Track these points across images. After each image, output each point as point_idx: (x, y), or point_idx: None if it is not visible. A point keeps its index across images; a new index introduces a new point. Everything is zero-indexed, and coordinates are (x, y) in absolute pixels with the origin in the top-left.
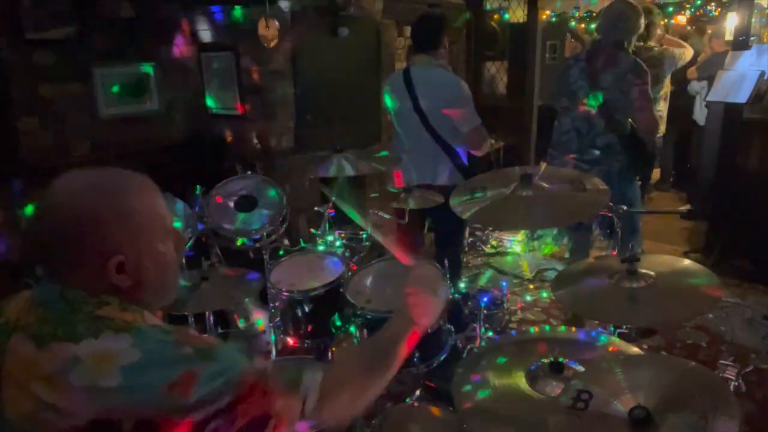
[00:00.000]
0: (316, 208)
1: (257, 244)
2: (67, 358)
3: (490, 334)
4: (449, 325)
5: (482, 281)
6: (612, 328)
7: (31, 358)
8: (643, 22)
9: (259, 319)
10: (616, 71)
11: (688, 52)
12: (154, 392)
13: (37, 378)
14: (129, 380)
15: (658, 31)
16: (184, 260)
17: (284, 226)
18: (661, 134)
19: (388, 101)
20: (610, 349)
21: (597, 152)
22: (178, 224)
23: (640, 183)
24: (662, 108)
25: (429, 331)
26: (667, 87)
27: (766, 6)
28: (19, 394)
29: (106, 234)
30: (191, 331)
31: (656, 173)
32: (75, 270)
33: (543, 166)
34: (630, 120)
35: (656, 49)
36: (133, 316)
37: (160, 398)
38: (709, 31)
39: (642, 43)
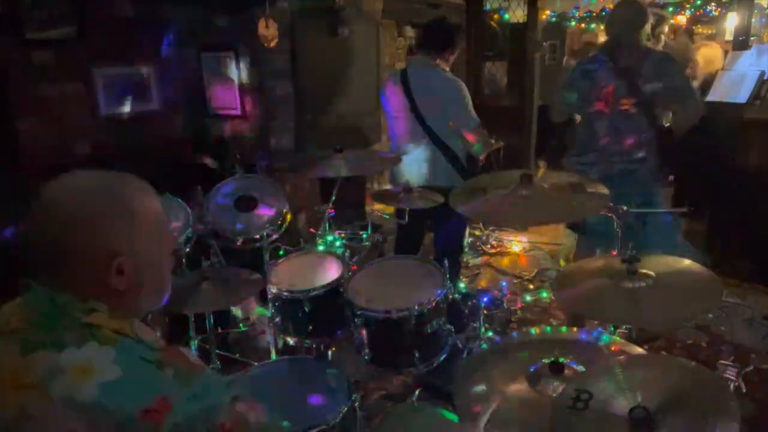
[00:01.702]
0: (316, 208)
1: (257, 244)
2: (50, 367)
3: (491, 334)
4: (449, 325)
5: (482, 281)
6: (612, 328)
7: (16, 365)
8: (650, 17)
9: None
10: (652, 60)
11: None
12: (127, 415)
13: (22, 386)
14: (104, 397)
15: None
16: (184, 260)
17: (284, 226)
18: None
19: (384, 102)
20: (612, 348)
21: (642, 152)
22: (176, 224)
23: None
24: None
25: (429, 330)
26: None
27: (766, 6)
28: (4, 401)
29: (105, 235)
30: (182, 350)
31: None
32: (69, 272)
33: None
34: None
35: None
36: (121, 324)
37: (131, 422)
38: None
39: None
